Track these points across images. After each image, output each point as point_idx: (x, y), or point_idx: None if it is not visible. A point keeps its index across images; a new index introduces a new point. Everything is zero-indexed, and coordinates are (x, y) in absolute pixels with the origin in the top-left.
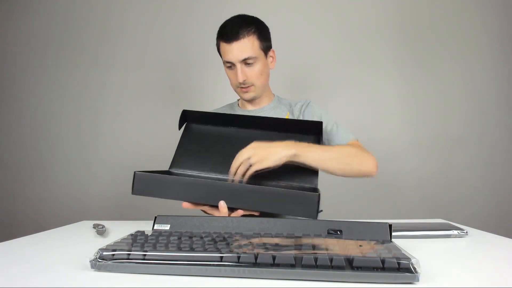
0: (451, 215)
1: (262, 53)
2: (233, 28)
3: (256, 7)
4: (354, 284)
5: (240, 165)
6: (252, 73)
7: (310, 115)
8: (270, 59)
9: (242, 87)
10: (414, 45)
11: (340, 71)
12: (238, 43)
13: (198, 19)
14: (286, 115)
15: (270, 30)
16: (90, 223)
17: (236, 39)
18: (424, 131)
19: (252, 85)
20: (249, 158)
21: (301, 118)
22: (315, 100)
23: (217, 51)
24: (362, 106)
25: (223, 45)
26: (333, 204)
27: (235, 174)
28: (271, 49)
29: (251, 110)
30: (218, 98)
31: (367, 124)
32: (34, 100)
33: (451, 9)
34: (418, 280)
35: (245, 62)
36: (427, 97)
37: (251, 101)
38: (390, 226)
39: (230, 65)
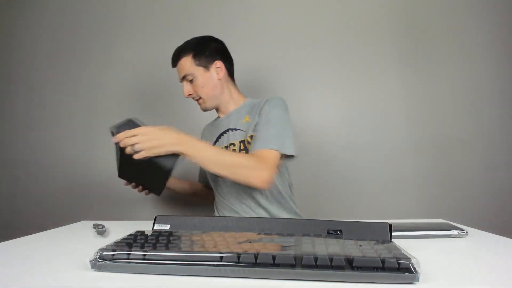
0: (451, 215)
1: (200, 69)
2: (173, 56)
3: (255, 7)
4: (354, 284)
5: (125, 139)
6: (194, 88)
7: (263, 110)
8: (215, 71)
9: (196, 100)
10: (414, 45)
11: (339, 70)
12: (178, 65)
13: (195, 18)
14: (246, 117)
15: (268, 30)
16: (90, 223)
17: (174, 65)
18: (424, 131)
19: (200, 97)
20: (137, 142)
21: (257, 115)
22: (315, 99)
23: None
24: (362, 106)
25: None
26: (333, 204)
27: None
28: (215, 62)
29: (221, 118)
30: None
31: (367, 124)
32: (33, 100)
33: (451, 9)
34: (418, 280)
35: (186, 79)
36: (427, 97)
37: (208, 111)
38: (390, 226)
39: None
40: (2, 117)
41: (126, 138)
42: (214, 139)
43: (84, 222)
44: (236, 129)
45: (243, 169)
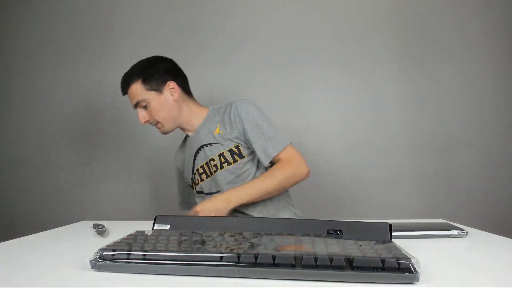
0: (451, 215)
1: (153, 93)
2: (121, 84)
3: (252, 7)
4: (354, 284)
5: None
6: (149, 113)
7: (241, 117)
8: (169, 93)
9: (154, 125)
10: (414, 45)
11: (338, 70)
12: (129, 93)
13: (197, 17)
14: (217, 128)
15: (266, 30)
16: (90, 223)
17: (125, 91)
18: (424, 131)
19: (158, 122)
20: None
21: (234, 121)
22: (315, 99)
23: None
24: (362, 107)
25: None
26: (333, 204)
27: None
28: (167, 83)
29: (190, 136)
30: (215, 96)
31: (367, 124)
32: (33, 100)
33: (450, 9)
34: (418, 280)
35: (139, 106)
36: (427, 97)
37: (168, 133)
38: (390, 226)
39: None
40: (2, 117)
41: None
42: (192, 160)
43: (84, 222)
44: (210, 144)
45: (287, 180)
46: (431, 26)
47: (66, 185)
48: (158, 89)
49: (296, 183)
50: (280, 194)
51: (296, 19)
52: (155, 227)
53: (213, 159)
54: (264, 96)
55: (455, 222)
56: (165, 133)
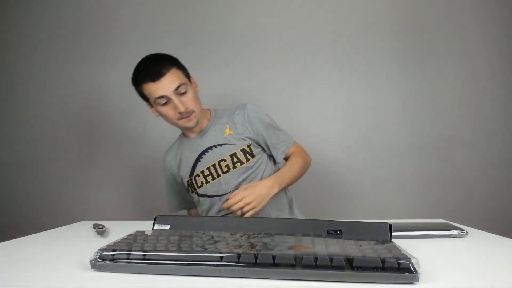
0: (451, 215)
1: (187, 80)
2: (155, 67)
3: (253, 9)
4: (354, 284)
5: (235, 205)
6: (188, 100)
7: (252, 118)
8: (194, 85)
9: (185, 117)
10: (414, 45)
11: (338, 70)
12: (165, 77)
13: (199, 17)
14: (226, 129)
15: (265, 30)
16: (90, 223)
17: (162, 74)
18: (424, 131)
19: (193, 111)
20: (244, 204)
21: (245, 122)
22: (316, 99)
23: (141, 97)
24: (362, 107)
25: (149, 85)
26: (333, 204)
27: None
28: (191, 76)
29: (194, 137)
30: (217, 97)
31: (367, 124)
32: (33, 100)
33: (450, 9)
34: (418, 280)
35: (178, 92)
36: (427, 97)
37: (193, 128)
38: (390, 226)
39: (165, 101)
40: (2, 117)
41: (235, 205)
42: (192, 162)
43: (84, 222)
44: (220, 145)
45: (304, 167)
46: (430, 27)
47: (66, 185)
48: (188, 79)
49: (307, 170)
50: (286, 197)
51: (296, 20)
52: (155, 227)
53: (224, 160)
54: (264, 97)
55: (455, 222)
56: (194, 125)
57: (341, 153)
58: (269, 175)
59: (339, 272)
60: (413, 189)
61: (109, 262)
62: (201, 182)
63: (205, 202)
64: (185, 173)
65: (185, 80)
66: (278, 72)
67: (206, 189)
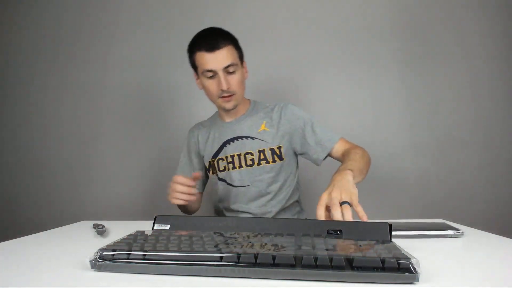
0: (451, 215)
1: (240, 63)
2: (213, 38)
3: (253, 9)
4: (354, 284)
5: (333, 206)
6: (233, 81)
7: (292, 117)
8: (244, 70)
9: (225, 96)
10: (413, 46)
11: (339, 71)
12: (220, 51)
13: (199, 19)
14: (262, 125)
15: (267, 30)
16: (90, 223)
17: (218, 47)
18: (424, 131)
19: (234, 93)
20: (342, 199)
21: (282, 122)
22: (316, 99)
23: (191, 66)
24: (362, 106)
25: (203, 55)
26: None
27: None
28: (244, 61)
29: (229, 121)
30: None
31: (367, 124)
32: (34, 100)
33: (451, 10)
34: (418, 280)
35: (227, 70)
36: (426, 97)
37: (230, 111)
38: (390, 226)
39: (211, 75)
40: (2, 117)
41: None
42: (219, 145)
43: (84, 222)
44: (252, 138)
45: (369, 162)
46: (430, 29)
47: (66, 185)
48: (241, 63)
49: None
50: (296, 203)
51: (297, 20)
52: (155, 227)
53: (250, 153)
54: (263, 96)
55: (455, 222)
56: (232, 107)
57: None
58: (289, 185)
59: (339, 272)
60: (413, 189)
61: (109, 262)
62: (224, 167)
63: (221, 187)
64: (209, 153)
65: (237, 61)
66: (278, 72)
67: (230, 176)
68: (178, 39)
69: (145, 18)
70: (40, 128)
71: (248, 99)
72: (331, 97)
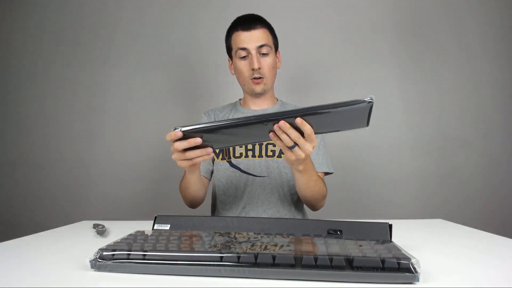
0: (451, 215)
1: (274, 48)
2: (251, 19)
3: (258, 7)
4: (354, 284)
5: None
6: (265, 64)
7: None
8: (277, 59)
9: (255, 78)
10: (413, 46)
11: (340, 71)
12: (256, 31)
13: (203, 18)
14: None
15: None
16: (90, 223)
17: (254, 28)
18: (424, 131)
19: (265, 77)
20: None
21: None
22: (316, 99)
23: (225, 48)
24: None
25: (239, 34)
26: (333, 204)
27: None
28: (278, 50)
29: (254, 110)
30: (222, 98)
31: None
32: (34, 100)
33: (452, 9)
34: (418, 280)
35: (260, 51)
36: (427, 97)
37: (259, 95)
38: (390, 226)
39: (245, 55)
40: (2, 117)
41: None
42: None
43: (84, 222)
44: None
45: (319, 194)
46: (431, 29)
47: (66, 185)
48: (275, 49)
49: (317, 201)
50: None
51: (297, 20)
52: (155, 227)
53: (273, 144)
54: None
55: (455, 222)
56: (261, 91)
57: (341, 153)
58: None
59: (339, 272)
60: (413, 189)
61: (109, 262)
62: (240, 153)
63: (232, 174)
64: None
65: (271, 44)
66: (277, 72)
67: (241, 162)
68: (178, 39)
69: (145, 18)
70: (40, 128)
71: (277, 98)
72: (331, 98)
